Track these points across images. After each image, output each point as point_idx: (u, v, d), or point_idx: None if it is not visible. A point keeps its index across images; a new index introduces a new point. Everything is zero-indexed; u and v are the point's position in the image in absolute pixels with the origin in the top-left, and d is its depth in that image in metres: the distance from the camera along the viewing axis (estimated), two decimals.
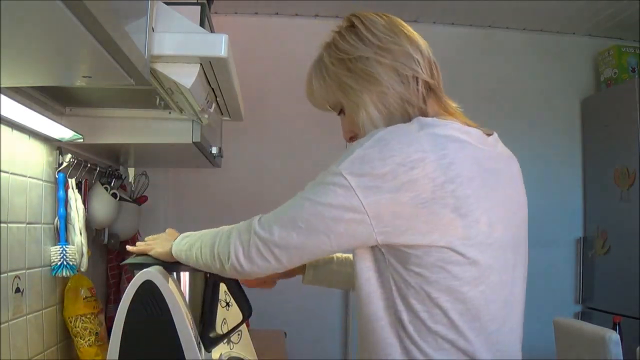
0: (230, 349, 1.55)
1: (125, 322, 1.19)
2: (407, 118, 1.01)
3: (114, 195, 1.89)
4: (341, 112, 1.11)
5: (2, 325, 1.26)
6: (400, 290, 0.94)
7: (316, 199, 0.94)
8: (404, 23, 1.10)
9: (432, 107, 1.05)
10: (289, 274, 1.38)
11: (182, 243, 1.19)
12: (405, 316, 0.94)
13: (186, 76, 1.20)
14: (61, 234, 1.55)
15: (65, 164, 1.59)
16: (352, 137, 1.10)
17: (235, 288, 1.33)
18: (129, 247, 1.34)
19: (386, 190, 0.89)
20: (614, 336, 1.97)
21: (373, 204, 0.90)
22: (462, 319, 0.93)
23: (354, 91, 1.04)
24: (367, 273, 0.99)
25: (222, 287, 1.37)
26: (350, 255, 1.34)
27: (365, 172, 0.90)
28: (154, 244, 1.29)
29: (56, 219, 1.56)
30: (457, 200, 0.90)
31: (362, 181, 0.90)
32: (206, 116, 1.50)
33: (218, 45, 1.18)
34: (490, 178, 0.98)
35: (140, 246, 1.31)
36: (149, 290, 1.18)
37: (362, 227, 0.92)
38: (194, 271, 1.30)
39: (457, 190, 0.90)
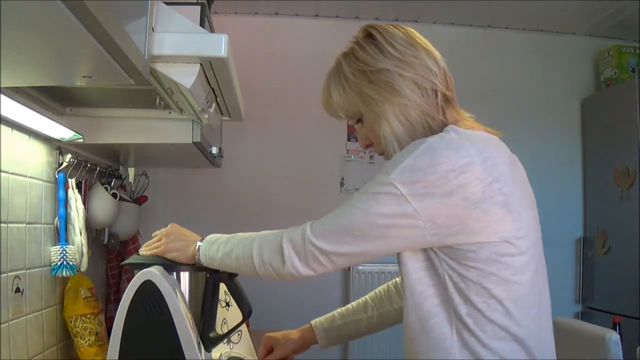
0: (230, 349, 1.55)
1: (125, 322, 1.19)
2: (428, 129, 1.07)
3: (114, 195, 1.89)
4: (359, 121, 1.15)
5: (2, 325, 1.26)
6: (457, 284, 1.00)
7: (368, 209, 0.99)
8: (420, 35, 1.14)
9: (451, 117, 1.10)
10: (304, 346, 1.46)
11: (213, 249, 1.19)
12: (463, 309, 1.00)
13: (186, 76, 1.20)
14: (61, 234, 1.55)
15: (65, 164, 1.59)
16: (368, 145, 1.16)
17: (235, 288, 1.33)
18: (142, 252, 1.30)
19: (438, 196, 0.95)
20: (614, 336, 1.97)
21: (426, 209, 0.96)
22: (515, 306, 1.00)
23: (376, 102, 1.08)
24: (418, 273, 1.04)
25: (222, 287, 1.37)
26: (354, 303, 1.46)
27: (416, 179, 0.96)
28: (171, 247, 1.26)
29: (56, 219, 1.56)
30: (505, 197, 0.98)
31: (414, 188, 0.96)
32: (206, 116, 1.50)
33: (218, 45, 1.18)
34: (517, 177, 1.07)
35: (153, 249, 1.28)
36: (149, 290, 1.18)
37: (416, 231, 0.98)
38: (194, 271, 1.30)
39: (503, 188, 0.98)
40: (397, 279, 1.39)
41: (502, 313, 0.99)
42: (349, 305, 1.47)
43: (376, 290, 1.47)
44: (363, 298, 1.47)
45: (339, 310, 1.48)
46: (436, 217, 0.96)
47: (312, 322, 1.48)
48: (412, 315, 1.05)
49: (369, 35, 1.12)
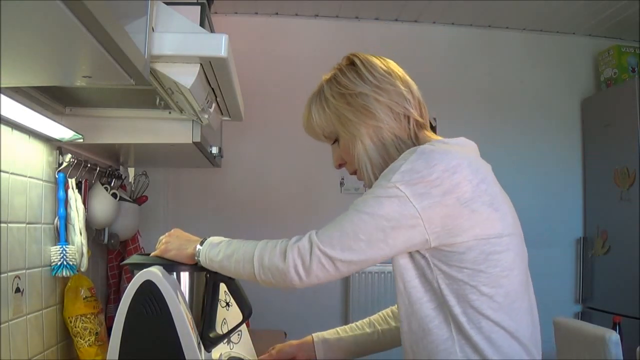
0: (230, 349, 1.55)
1: (125, 322, 1.19)
2: (400, 151, 1.14)
3: (114, 195, 1.89)
4: (335, 141, 1.23)
5: (2, 325, 1.26)
6: (450, 286, 1.05)
7: (374, 212, 1.03)
8: (399, 67, 1.23)
9: (423, 140, 1.18)
10: (302, 350, 1.46)
11: (213, 252, 1.19)
12: (458, 309, 1.05)
13: (186, 76, 1.20)
14: (61, 234, 1.55)
15: (65, 164, 1.59)
16: (342, 164, 1.26)
17: (236, 288, 1.33)
18: (153, 253, 1.30)
19: (435, 195, 1.01)
20: (614, 336, 1.97)
21: (426, 209, 1.01)
22: (506, 301, 1.06)
23: (352, 123, 1.17)
24: (413, 281, 1.09)
25: (222, 287, 1.37)
26: (353, 324, 1.48)
27: (417, 180, 1.01)
28: (170, 247, 1.27)
29: (56, 219, 1.56)
30: (491, 197, 1.05)
31: (415, 189, 1.01)
32: (206, 116, 1.50)
33: (218, 45, 1.18)
34: (496, 181, 1.13)
35: (156, 251, 1.29)
36: (149, 290, 1.18)
37: (417, 231, 1.03)
38: (193, 271, 1.30)
39: (488, 189, 1.06)
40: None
41: (495, 308, 1.05)
42: (353, 324, 1.49)
43: (379, 312, 1.49)
44: (367, 318, 1.49)
45: (342, 327, 1.50)
46: (434, 216, 1.01)
47: (313, 335, 1.49)
48: (412, 322, 1.11)
49: (351, 62, 1.21)
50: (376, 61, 1.21)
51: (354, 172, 1.23)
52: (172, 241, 1.27)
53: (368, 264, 1.07)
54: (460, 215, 1.02)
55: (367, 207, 1.04)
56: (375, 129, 1.15)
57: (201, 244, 1.23)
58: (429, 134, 1.20)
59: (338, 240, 1.04)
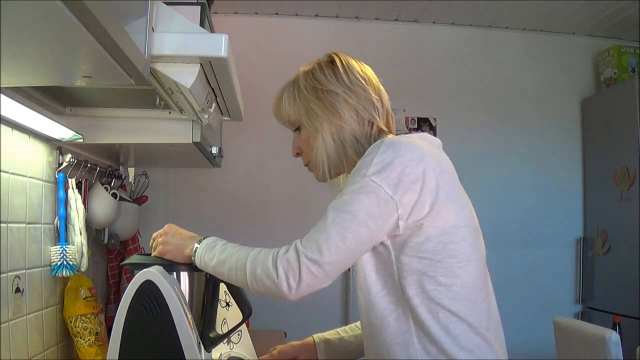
0: (230, 349, 1.55)
1: (125, 322, 1.19)
2: (358, 152, 1.18)
3: (114, 195, 1.89)
4: (297, 130, 1.28)
5: (2, 325, 1.26)
6: (409, 277, 1.08)
7: (354, 209, 1.05)
8: (374, 75, 1.27)
9: None
10: (304, 351, 1.47)
11: (208, 255, 1.19)
12: (416, 301, 1.08)
13: (186, 76, 1.20)
14: (61, 234, 1.55)
15: (65, 164, 1.59)
16: (299, 154, 1.31)
17: (236, 288, 1.33)
18: (153, 253, 1.30)
19: (407, 182, 1.04)
20: (614, 336, 1.97)
21: (399, 196, 1.04)
22: (464, 291, 1.09)
23: (318, 118, 1.21)
24: (372, 275, 1.12)
25: (222, 287, 1.38)
26: (353, 325, 1.48)
27: (389, 171, 1.04)
28: (168, 248, 1.26)
29: (56, 219, 1.56)
30: (450, 188, 1.10)
31: (389, 179, 1.04)
32: (206, 116, 1.50)
33: (218, 45, 1.18)
34: (454, 173, 1.16)
35: (154, 251, 1.29)
36: (149, 290, 1.18)
37: (393, 219, 1.05)
38: (193, 271, 1.30)
39: (449, 179, 1.11)
40: None
41: (452, 298, 1.08)
42: (352, 324, 1.49)
43: None
44: None
45: (342, 327, 1.50)
46: (406, 204, 1.05)
47: (313, 336, 1.49)
48: (371, 315, 1.13)
49: (331, 60, 1.25)
50: (355, 64, 1.25)
51: (307, 164, 1.29)
52: (168, 241, 1.26)
53: (354, 260, 1.10)
54: (425, 203, 1.05)
55: (347, 206, 1.05)
56: (338, 128, 1.20)
57: (199, 242, 1.23)
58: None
59: (324, 244, 1.03)
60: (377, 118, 1.21)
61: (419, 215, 1.05)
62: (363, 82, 1.22)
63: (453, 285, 1.08)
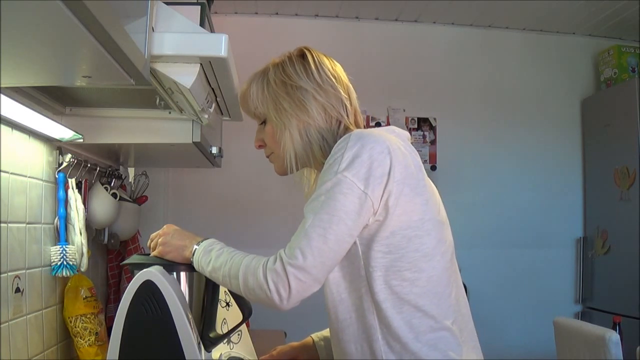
0: (230, 349, 1.55)
1: (125, 322, 1.19)
2: (323, 149, 1.19)
3: (114, 195, 1.89)
4: (263, 122, 1.27)
5: (2, 325, 1.26)
6: (375, 273, 1.08)
7: (331, 209, 1.04)
8: (345, 75, 1.26)
9: None
10: (304, 351, 1.47)
11: (205, 260, 1.18)
12: (381, 296, 1.08)
13: (186, 76, 1.20)
14: (61, 234, 1.55)
15: (65, 164, 1.59)
16: (261, 146, 1.30)
17: None
18: (153, 253, 1.30)
19: (377, 176, 1.04)
20: (614, 336, 1.97)
21: (370, 190, 1.04)
22: (429, 285, 1.09)
23: (286, 113, 1.20)
24: (338, 272, 1.12)
25: (222, 287, 1.37)
26: None
27: (359, 165, 1.04)
28: (168, 248, 1.26)
29: (56, 219, 1.56)
30: (416, 181, 1.09)
31: (360, 173, 1.04)
32: (206, 116, 1.50)
33: (218, 45, 1.18)
34: (421, 167, 1.15)
35: (154, 251, 1.29)
36: (149, 290, 1.18)
37: (369, 213, 1.05)
38: (193, 271, 1.30)
39: (415, 173, 1.10)
40: None
41: (417, 293, 1.08)
42: None
43: None
44: None
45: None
46: (378, 197, 1.05)
47: (312, 336, 1.50)
48: (338, 311, 1.14)
49: (302, 55, 1.25)
50: (326, 61, 1.24)
51: (269, 156, 1.29)
52: (169, 242, 1.26)
53: (339, 259, 1.09)
54: (392, 196, 1.05)
55: (324, 207, 1.05)
56: (305, 124, 1.19)
57: (198, 244, 1.22)
58: None
59: (307, 249, 1.03)
60: (345, 117, 1.21)
61: (386, 208, 1.05)
62: (333, 80, 1.22)
63: (418, 280, 1.08)
